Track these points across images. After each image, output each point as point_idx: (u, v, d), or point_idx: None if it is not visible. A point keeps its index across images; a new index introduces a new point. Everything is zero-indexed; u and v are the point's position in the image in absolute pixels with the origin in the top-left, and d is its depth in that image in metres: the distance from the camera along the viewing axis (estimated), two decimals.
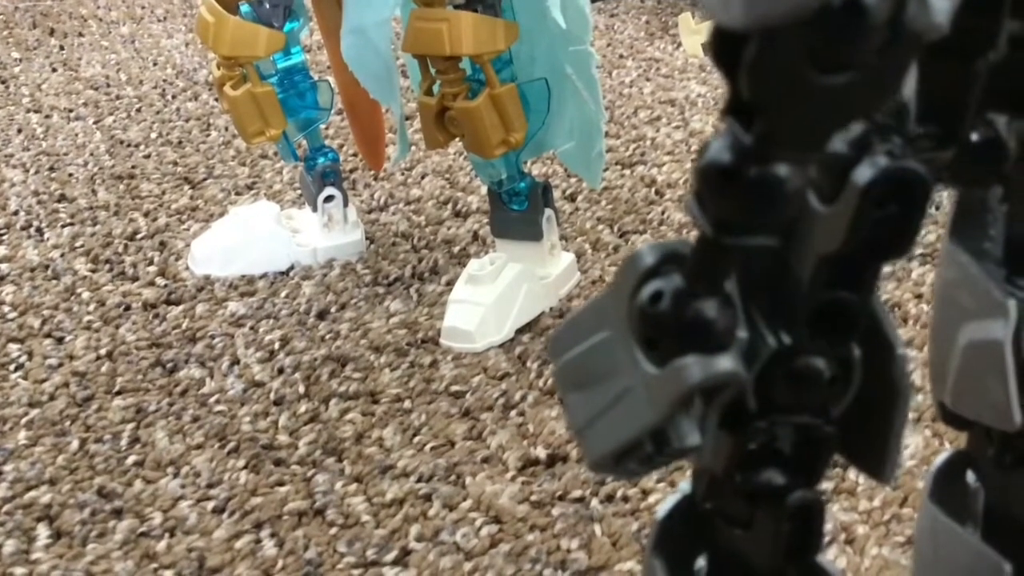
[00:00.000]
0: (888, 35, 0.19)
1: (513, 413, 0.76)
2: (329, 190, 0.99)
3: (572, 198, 1.07)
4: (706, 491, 0.26)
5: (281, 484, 0.71)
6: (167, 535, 0.67)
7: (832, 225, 0.21)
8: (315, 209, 1.00)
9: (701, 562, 0.28)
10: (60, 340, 0.89)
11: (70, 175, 1.19)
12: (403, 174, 1.15)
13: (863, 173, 0.21)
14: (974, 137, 0.24)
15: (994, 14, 0.23)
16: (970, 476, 0.30)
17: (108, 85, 1.46)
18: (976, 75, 0.23)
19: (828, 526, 0.64)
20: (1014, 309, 0.26)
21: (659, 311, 0.22)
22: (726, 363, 0.22)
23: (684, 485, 0.27)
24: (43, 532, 0.68)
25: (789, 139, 0.21)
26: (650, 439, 0.23)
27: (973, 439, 0.30)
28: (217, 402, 0.79)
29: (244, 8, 0.88)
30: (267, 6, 0.87)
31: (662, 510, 0.28)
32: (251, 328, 0.89)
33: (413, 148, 1.14)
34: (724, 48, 0.20)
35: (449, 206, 1.07)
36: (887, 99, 0.21)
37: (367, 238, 1.02)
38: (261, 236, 0.99)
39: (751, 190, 0.21)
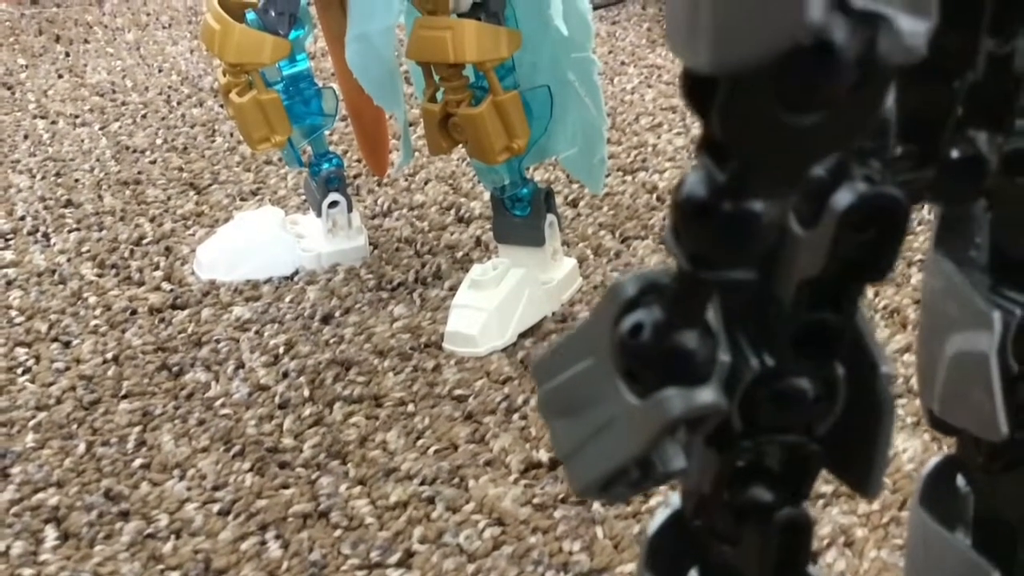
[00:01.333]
0: (860, 72, 0.19)
1: (516, 417, 0.76)
2: (333, 196, 1.00)
3: (574, 204, 1.08)
4: (694, 509, 0.26)
5: (286, 487, 0.71)
6: (173, 537, 0.67)
7: (812, 250, 0.21)
8: (319, 214, 1.01)
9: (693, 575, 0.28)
10: (67, 344, 0.89)
11: (76, 181, 1.20)
12: (407, 180, 1.15)
13: (841, 199, 0.21)
14: (954, 154, 0.24)
15: (972, 33, 0.23)
16: (960, 480, 0.31)
17: (114, 91, 1.47)
18: (955, 94, 0.23)
19: (827, 529, 0.64)
20: (999, 320, 0.26)
21: (639, 343, 0.22)
22: (707, 395, 0.22)
23: (674, 499, 0.28)
24: (51, 534, 0.68)
25: (763, 177, 0.21)
26: (636, 466, 0.23)
27: (962, 444, 0.30)
28: (222, 405, 0.80)
29: (250, 16, 0.88)
30: (273, 14, 0.88)
31: (652, 526, 0.28)
32: (256, 332, 0.89)
33: (416, 154, 1.15)
34: (694, 88, 0.20)
35: (452, 212, 1.08)
36: (861, 134, 0.20)
37: (371, 243, 1.02)
38: (266, 241, 0.99)
39: (727, 226, 0.21)
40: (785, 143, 0.20)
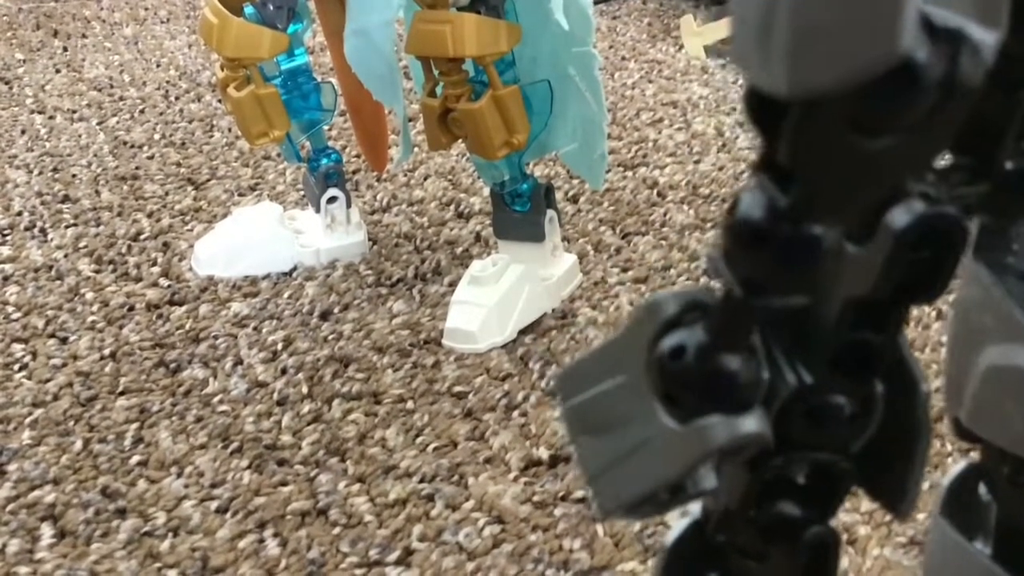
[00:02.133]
0: (940, 95, 0.18)
1: (515, 414, 0.76)
2: (332, 191, 0.99)
3: (574, 199, 1.07)
4: (719, 524, 0.25)
5: (284, 484, 0.71)
6: (171, 535, 0.67)
7: (863, 269, 0.20)
8: (318, 210, 1.00)
9: None
10: (64, 340, 0.89)
11: (74, 176, 1.20)
12: (406, 175, 1.15)
13: (898, 218, 0.20)
14: (1009, 167, 0.23)
15: None
16: (982, 489, 0.30)
17: (111, 86, 1.47)
18: (1018, 105, 0.22)
19: None
20: None
21: (681, 366, 0.21)
22: (751, 424, 0.21)
23: (694, 509, 0.27)
24: (47, 531, 0.68)
25: (828, 202, 0.19)
26: (666, 488, 0.23)
27: (986, 454, 0.29)
28: (220, 402, 0.80)
29: (248, 10, 0.88)
30: (271, 8, 0.87)
31: (671, 536, 0.27)
32: (254, 329, 0.89)
33: (416, 149, 1.14)
34: (761, 108, 0.19)
35: (452, 207, 1.07)
36: (936, 156, 0.19)
37: (370, 239, 1.02)
38: (264, 237, 0.99)
39: (786, 251, 0.20)
40: (856, 168, 0.19)
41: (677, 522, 0.27)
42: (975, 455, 0.30)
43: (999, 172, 0.23)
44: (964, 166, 0.23)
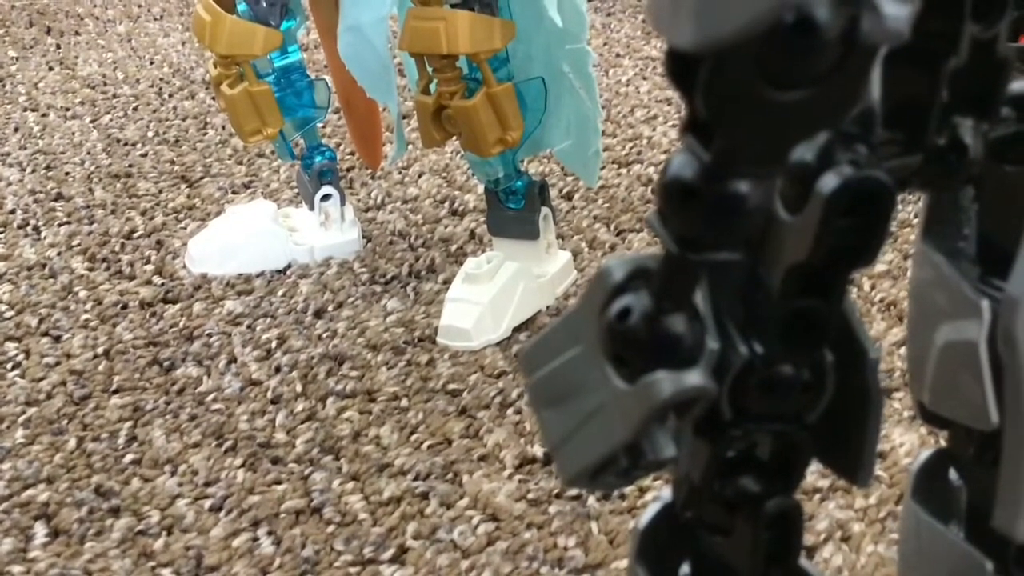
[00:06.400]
0: (842, 50, 0.19)
1: (510, 411, 0.76)
2: (326, 189, 0.99)
3: (569, 197, 1.07)
4: (685, 500, 0.26)
5: (278, 482, 0.71)
6: (165, 533, 0.67)
7: (798, 235, 0.21)
8: (312, 208, 1.00)
9: (685, 569, 0.28)
10: (57, 339, 0.89)
11: (67, 174, 1.19)
12: (400, 173, 1.15)
13: (827, 183, 0.21)
14: (940, 141, 0.24)
15: (955, 18, 0.22)
16: (952, 474, 0.30)
17: (105, 84, 1.46)
18: (939, 79, 0.23)
19: (824, 524, 0.64)
20: (988, 309, 0.26)
21: (628, 328, 0.22)
22: (694, 378, 0.22)
23: (666, 493, 0.27)
24: (41, 530, 0.68)
25: (748, 156, 0.20)
26: (625, 453, 0.23)
27: (954, 437, 0.30)
28: (214, 400, 0.79)
29: (241, 7, 0.88)
30: (264, 5, 0.87)
31: (644, 519, 0.28)
32: (248, 327, 0.89)
33: (410, 147, 1.14)
34: (678, 67, 0.20)
35: (446, 205, 1.07)
36: (846, 112, 0.20)
37: (364, 237, 1.02)
38: (258, 235, 0.99)
39: (713, 207, 0.21)
40: (769, 121, 0.20)
41: (650, 506, 0.28)
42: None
43: (931, 146, 0.24)
44: (895, 140, 0.24)
